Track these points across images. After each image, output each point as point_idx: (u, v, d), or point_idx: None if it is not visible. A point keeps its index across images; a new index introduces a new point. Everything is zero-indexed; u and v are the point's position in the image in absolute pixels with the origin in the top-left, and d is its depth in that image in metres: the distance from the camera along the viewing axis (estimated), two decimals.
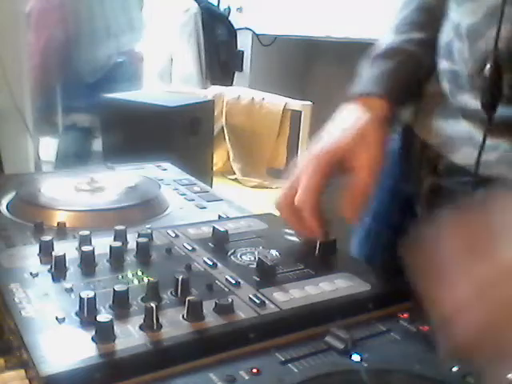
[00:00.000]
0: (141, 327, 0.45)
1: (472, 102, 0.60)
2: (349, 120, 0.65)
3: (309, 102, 2.15)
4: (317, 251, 0.61)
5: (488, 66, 0.55)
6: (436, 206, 0.65)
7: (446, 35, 0.65)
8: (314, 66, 3.02)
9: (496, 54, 0.54)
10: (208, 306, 0.48)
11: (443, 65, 0.65)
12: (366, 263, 0.65)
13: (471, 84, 0.60)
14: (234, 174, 2.49)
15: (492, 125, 0.57)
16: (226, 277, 0.54)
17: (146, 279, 0.53)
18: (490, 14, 0.54)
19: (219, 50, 2.82)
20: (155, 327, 0.45)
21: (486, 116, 0.56)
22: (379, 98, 0.66)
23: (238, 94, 2.37)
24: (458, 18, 0.60)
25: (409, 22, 0.71)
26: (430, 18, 0.69)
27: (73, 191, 0.78)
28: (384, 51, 0.70)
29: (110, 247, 0.57)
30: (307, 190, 0.60)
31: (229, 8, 2.98)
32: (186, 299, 0.47)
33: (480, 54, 0.56)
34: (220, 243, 0.62)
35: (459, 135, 0.63)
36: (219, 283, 0.53)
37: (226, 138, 2.41)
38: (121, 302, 0.48)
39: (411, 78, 0.69)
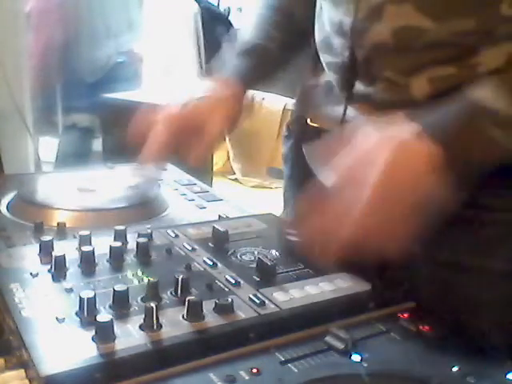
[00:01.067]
0: (141, 327, 0.45)
1: (357, 87, 0.68)
2: (211, 89, 0.77)
3: None
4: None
5: (348, 49, 0.66)
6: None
7: (322, 33, 0.72)
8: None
9: (352, 44, 0.65)
10: (208, 306, 0.48)
11: (325, 58, 0.73)
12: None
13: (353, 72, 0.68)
14: (234, 173, 2.50)
15: (378, 105, 0.66)
16: (226, 277, 0.54)
17: (145, 279, 0.53)
18: (373, 13, 0.62)
19: (219, 50, 2.82)
20: (155, 327, 0.45)
21: (374, 101, 0.66)
22: (237, 80, 0.79)
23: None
24: (338, 17, 0.67)
25: (270, 21, 0.83)
26: (287, 20, 0.82)
27: (73, 191, 0.78)
28: (249, 47, 0.81)
29: (110, 247, 0.57)
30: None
31: (229, 8, 2.98)
32: (186, 299, 0.47)
33: (367, 46, 0.64)
34: (220, 243, 0.62)
35: (348, 117, 0.70)
36: (219, 283, 0.53)
37: (226, 138, 2.41)
38: (121, 302, 0.48)
39: (267, 72, 0.84)
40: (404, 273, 0.59)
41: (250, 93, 0.81)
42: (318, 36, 0.73)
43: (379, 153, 0.52)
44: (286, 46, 0.82)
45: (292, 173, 0.86)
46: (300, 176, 0.81)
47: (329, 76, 0.73)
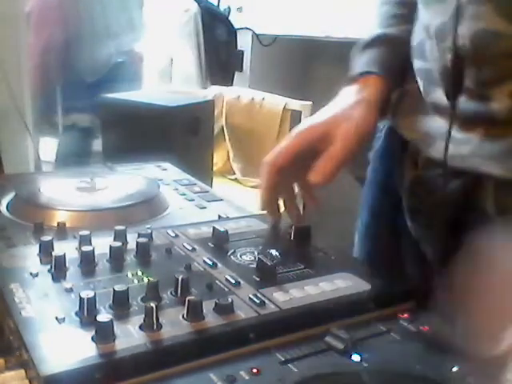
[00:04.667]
0: (141, 327, 0.45)
1: (444, 98, 0.63)
2: (340, 100, 0.68)
3: (309, 102, 2.15)
4: (292, 236, 0.64)
5: (449, 58, 0.59)
6: (417, 197, 0.70)
7: (417, 36, 0.67)
8: (314, 66, 3.02)
9: (456, 48, 0.58)
10: (208, 306, 0.48)
11: (417, 64, 0.68)
12: (368, 259, 0.66)
13: (441, 80, 0.63)
14: (234, 174, 2.49)
15: (459, 117, 0.60)
16: (226, 277, 0.54)
17: (145, 279, 0.53)
18: (455, 13, 0.58)
19: (219, 50, 2.82)
20: (155, 327, 0.45)
21: (456, 111, 0.60)
22: (377, 76, 0.69)
23: (238, 94, 2.37)
24: (427, 19, 0.63)
25: (392, 15, 0.74)
26: (410, 11, 0.71)
27: (73, 191, 0.78)
28: (375, 38, 0.72)
29: (110, 247, 0.57)
30: (277, 153, 0.64)
31: (229, 8, 2.98)
32: (186, 299, 0.47)
33: (447, 51, 0.60)
34: (220, 243, 0.62)
35: (434, 130, 0.66)
36: (219, 283, 0.53)
37: (226, 138, 2.41)
38: (121, 302, 0.48)
39: (403, 62, 0.71)
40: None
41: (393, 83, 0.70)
42: (414, 40, 0.69)
43: None
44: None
45: (375, 180, 0.81)
46: (384, 187, 0.79)
47: (419, 84, 0.68)
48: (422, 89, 0.67)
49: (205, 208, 0.79)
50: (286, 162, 0.64)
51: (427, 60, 0.64)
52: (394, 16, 0.74)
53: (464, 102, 0.60)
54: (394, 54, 0.71)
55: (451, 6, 0.58)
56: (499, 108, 0.57)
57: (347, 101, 0.67)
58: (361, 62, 0.71)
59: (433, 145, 0.66)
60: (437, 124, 0.66)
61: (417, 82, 0.69)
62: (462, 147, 0.62)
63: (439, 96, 0.64)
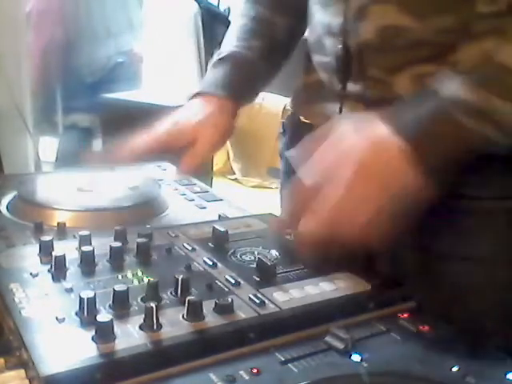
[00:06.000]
0: (141, 327, 0.45)
1: (346, 85, 0.71)
2: (196, 107, 0.81)
3: None
4: (292, 236, 0.64)
5: (340, 48, 0.68)
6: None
7: (313, 34, 0.75)
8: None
9: (344, 41, 0.67)
10: (208, 306, 0.48)
11: (316, 58, 0.75)
12: None
13: (336, 70, 0.71)
14: (234, 173, 2.50)
15: (366, 102, 0.68)
16: (226, 277, 0.54)
17: (145, 279, 0.53)
18: (358, 13, 0.65)
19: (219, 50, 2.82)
20: (155, 327, 0.45)
21: (361, 98, 0.69)
22: (221, 97, 0.81)
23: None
24: (327, 18, 0.69)
25: (248, 29, 0.84)
26: (265, 28, 0.84)
27: (73, 191, 0.78)
28: (227, 56, 0.83)
29: (110, 247, 0.57)
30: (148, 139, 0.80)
31: (229, 8, 2.98)
32: (186, 299, 0.47)
33: (355, 46, 0.67)
34: (220, 243, 0.62)
35: (339, 114, 0.73)
36: (219, 283, 0.53)
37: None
38: (121, 302, 0.48)
39: (248, 81, 0.84)
40: (388, 262, 0.63)
41: (235, 101, 0.83)
42: (310, 37, 0.76)
43: (354, 153, 0.56)
44: (265, 55, 0.84)
45: (287, 169, 0.87)
46: (294, 172, 0.82)
47: (320, 75, 0.75)
48: (324, 79, 0.74)
49: (205, 208, 0.79)
50: (154, 151, 0.79)
51: (327, 54, 0.71)
52: (249, 31, 0.84)
53: (370, 88, 0.68)
54: (241, 75, 0.83)
55: (353, 6, 0.65)
56: (402, 92, 0.64)
57: (208, 110, 0.80)
58: (209, 79, 0.84)
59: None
60: (337, 108, 0.73)
61: (316, 74, 0.77)
62: None
63: (338, 84, 0.72)
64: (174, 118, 0.81)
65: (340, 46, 0.68)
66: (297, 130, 0.81)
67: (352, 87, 0.70)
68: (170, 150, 0.80)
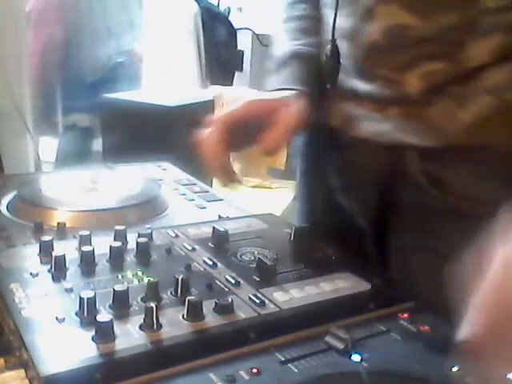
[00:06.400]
0: (141, 327, 0.45)
1: (360, 85, 0.71)
2: (273, 94, 0.74)
3: None
4: (291, 236, 0.64)
5: (351, 50, 0.69)
6: (349, 174, 0.77)
7: (328, 37, 0.74)
8: None
9: (355, 42, 0.68)
10: (208, 306, 0.48)
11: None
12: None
13: (357, 72, 0.72)
14: (234, 174, 2.49)
15: (377, 100, 0.69)
16: (226, 277, 0.54)
17: (145, 279, 0.53)
18: (366, 14, 0.66)
19: (219, 50, 2.82)
20: (155, 327, 0.45)
21: (375, 97, 0.69)
22: (298, 92, 0.74)
23: (238, 94, 2.37)
24: (338, 21, 0.70)
25: (298, 29, 0.81)
26: (314, 24, 0.81)
27: (73, 191, 0.78)
28: (292, 54, 0.78)
29: (110, 247, 0.57)
30: (230, 112, 0.69)
31: (229, 8, 2.98)
32: (186, 299, 0.47)
33: (364, 46, 0.68)
34: (220, 243, 0.62)
35: (354, 114, 0.73)
36: (219, 283, 0.53)
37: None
38: (121, 302, 0.48)
39: (316, 76, 0.78)
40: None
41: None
42: (324, 40, 0.76)
43: None
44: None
45: (305, 168, 0.87)
46: (316, 174, 0.84)
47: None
48: (340, 81, 0.74)
49: (205, 208, 0.79)
50: (236, 124, 0.68)
51: (342, 57, 0.72)
52: (300, 30, 0.81)
53: (381, 88, 0.68)
54: (307, 70, 0.77)
55: (359, 7, 0.66)
56: (412, 90, 0.65)
57: (284, 93, 0.73)
58: (278, 79, 0.77)
59: (356, 126, 0.73)
60: (355, 108, 0.73)
61: None
62: (384, 125, 0.70)
63: (355, 84, 0.72)
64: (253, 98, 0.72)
65: (351, 48, 0.69)
66: (313, 131, 0.81)
67: (364, 87, 0.70)
68: (255, 119, 0.69)
